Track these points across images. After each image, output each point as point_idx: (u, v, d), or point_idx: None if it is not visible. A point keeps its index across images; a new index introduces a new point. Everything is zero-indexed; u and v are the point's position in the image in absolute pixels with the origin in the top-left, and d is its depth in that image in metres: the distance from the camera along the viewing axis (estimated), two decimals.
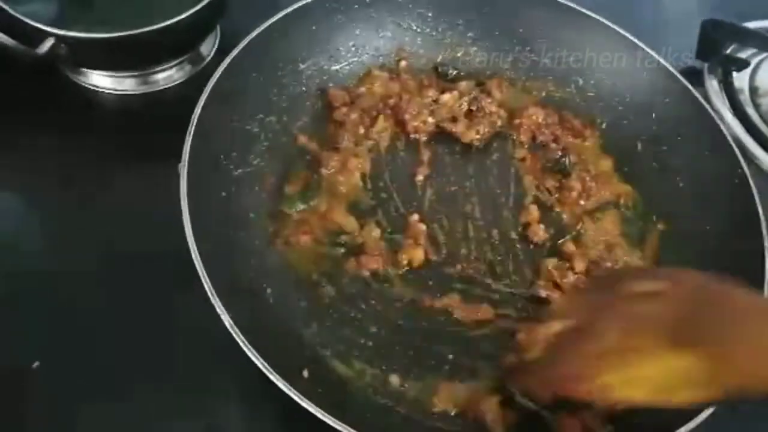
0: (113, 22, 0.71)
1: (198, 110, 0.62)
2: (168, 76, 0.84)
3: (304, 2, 0.74)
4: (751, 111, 0.91)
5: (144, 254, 0.67)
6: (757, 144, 0.88)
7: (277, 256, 0.66)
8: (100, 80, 0.82)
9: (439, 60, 0.84)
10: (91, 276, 0.67)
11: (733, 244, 0.67)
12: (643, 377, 0.43)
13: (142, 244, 0.67)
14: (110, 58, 0.78)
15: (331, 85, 0.79)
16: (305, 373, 0.56)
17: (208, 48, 0.87)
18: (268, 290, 0.63)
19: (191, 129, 0.61)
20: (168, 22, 0.71)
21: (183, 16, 0.72)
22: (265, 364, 0.50)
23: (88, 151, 0.76)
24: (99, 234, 0.69)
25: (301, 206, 0.70)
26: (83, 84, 0.82)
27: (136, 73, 0.82)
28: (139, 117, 0.81)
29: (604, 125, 0.81)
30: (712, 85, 0.92)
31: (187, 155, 0.60)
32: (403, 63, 0.83)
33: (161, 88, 0.83)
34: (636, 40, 0.78)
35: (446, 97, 0.79)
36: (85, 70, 0.81)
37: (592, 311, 0.50)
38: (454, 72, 0.84)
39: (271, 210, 0.69)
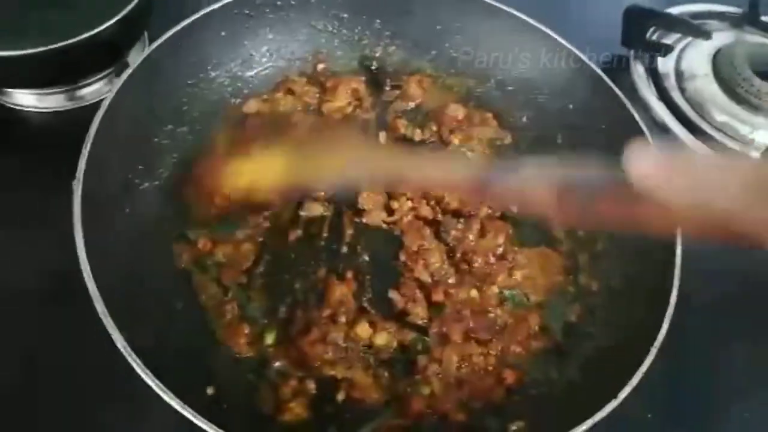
0: (29, 38, 0.68)
1: (94, 126, 0.61)
2: (95, 90, 0.81)
3: (209, 9, 0.72)
4: (677, 96, 0.91)
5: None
6: (684, 129, 0.88)
7: (186, 273, 0.65)
8: (22, 98, 0.79)
9: (357, 61, 0.83)
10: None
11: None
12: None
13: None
14: (30, 75, 0.74)
15: (245, 92, 0.78)
16: (209, 390, 0.56)
17: (135, 59, 0.83)
18: (179, 306, 0.62)
19: (87, 144, 0.59)
20: (87, 34, 0.68)
21: (101, 27, 0.69)
22: (159, 383, 0.49)
23: (11, 175, 0.73)
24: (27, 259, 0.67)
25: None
26: (4, 103, 0.79)
27: (61, 89, 0.79)
28: (67, 135, 0.76)
29: (524, 119, 0.81)
30: (638, 71, 0.92)
31: (82, 172, 0.58)
32: (320, 66, 0.82)
33: (89, 102, 0.80)
34: (551, 32, 0.77)
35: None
36: (5, 89, 0.78)
37: None
38: (376, 66, 0.83)
39: (181, 225, 0.67)
